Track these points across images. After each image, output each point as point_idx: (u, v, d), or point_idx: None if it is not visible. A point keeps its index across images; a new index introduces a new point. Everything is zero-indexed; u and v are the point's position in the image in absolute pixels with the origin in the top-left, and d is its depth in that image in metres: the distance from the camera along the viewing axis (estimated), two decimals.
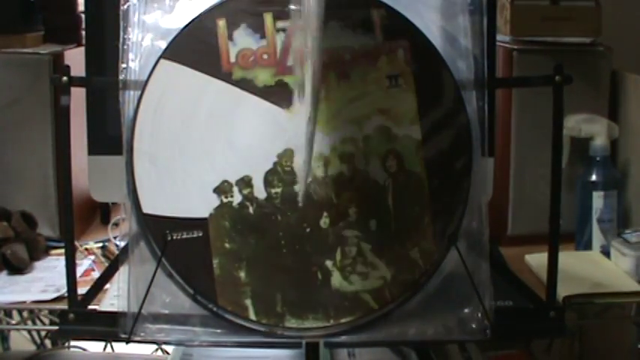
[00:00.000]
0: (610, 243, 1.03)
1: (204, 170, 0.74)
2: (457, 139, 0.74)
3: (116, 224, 1.16)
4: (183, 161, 0.74)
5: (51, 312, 0.99)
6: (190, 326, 0.75)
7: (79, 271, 1.00)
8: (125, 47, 0.74)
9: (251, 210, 0.74)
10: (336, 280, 0.74)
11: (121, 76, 0.74)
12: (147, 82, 0.73)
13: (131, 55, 0.74)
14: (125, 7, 0.74)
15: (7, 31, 1.11)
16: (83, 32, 1.14)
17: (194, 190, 0.74)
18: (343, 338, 0.75)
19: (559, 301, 0.88)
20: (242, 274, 0.74)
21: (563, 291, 0.89)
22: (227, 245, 0.74)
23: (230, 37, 0.73)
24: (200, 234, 0.74)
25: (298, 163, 0.73)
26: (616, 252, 1.01)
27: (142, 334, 0.74)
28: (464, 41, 0.75)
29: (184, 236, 0.74)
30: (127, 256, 0.75)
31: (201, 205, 0.74)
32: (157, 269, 0.74)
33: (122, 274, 0.75)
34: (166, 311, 0.75)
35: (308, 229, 0.74)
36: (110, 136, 0.97)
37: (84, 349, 1.25)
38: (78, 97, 0.86)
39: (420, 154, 0.74)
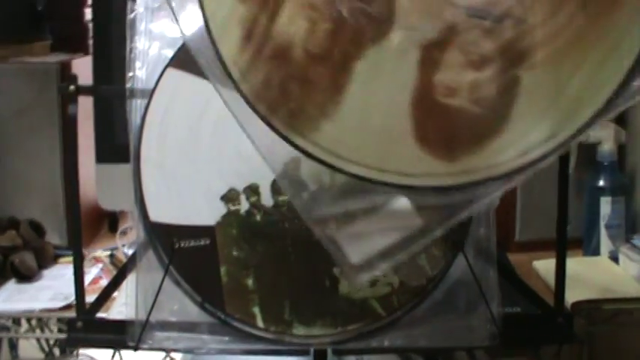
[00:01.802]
0: (618, 249, 1.03)
1: (211, 178, 0.74)
2: None
3: (124, 232, 1.16)
4: (191, 169, 0.74)
5: (59, 320, 1.00)
6: (198, 334, 0.75)
7: (87, 279, 1.00)
8: (132, 56, 0.75)
9: (258, 218, 0.74)
10: (344, 287, 0.74)
11: (128, 85, 0.74)
12: (154, 90, 0.74)
13: (138, 64, 0.75)
14: (132, 15, 0.75)
15: (16, 41, 1.12)
16: (90, 41, 1.14)
17: (201, 198, 0.74)
18: (351, 345, 0.75)
19: (567, 307, 0.87)
20: (250, 282, 0.74)
21: (571, 297, 0.89)
22: (234, 253, 0.74)
23: None
24: (207, 242, 0.74)
25: (305, 170, 0.73)
26: (624, 257, 1.00)
27: (150, 341, 0.74)
28: None
29: (192, 244, 0.74)
30: (135, 264, 0.75)
31: (208, 212, 0.74)
32: (164, 277, 0.74)
33: (130, 282, 0.75)
34: (174, 319, 0.75)
35: (315, 237, 0.74)
36: (117, 144, 0.97)
37: (92, 357, 1.25)
38: (85, 106, 0.86)
39: None
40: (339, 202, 0.65)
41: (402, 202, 0.64)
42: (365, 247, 0.64)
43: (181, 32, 0.63)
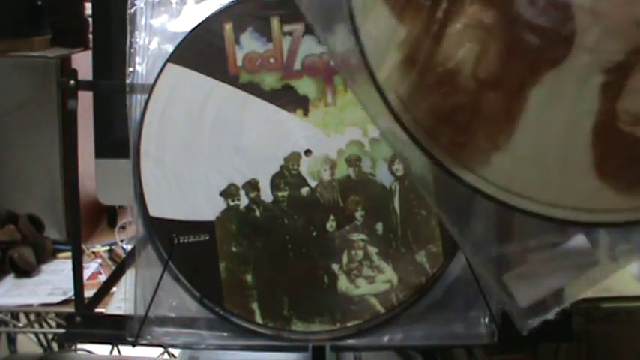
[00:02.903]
0: None
1: (210, 173, 0.74)
2: None
3: (123, 227, 1.16)
4: (190, 164, 0.74)
5: (58, 315, 1.00)
6: (197, 329, 0.75)
7: (86, 274, 1.00)
8: (132, 51, 0.74)
9: (257, 213, 0.74)
10: (343, 283, 0.74)
11: (128, 80, 0.74)
12: (154, 85, 0.74)
13: (138, 59, 0.75)
14: (132, 10, 0.75)
15: (15, 35, 1.12)
16: (90, 36, 1.14)
17: (201, 194, 0.74)
18: (350, 342, 0.75)
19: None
20: (248, 278, 0.74)
21: None
22: (233, 248, 0.74)
23: (237, 41, 0.73)
24: (207, 237, 0.74)
25: (305, 166, 0.74)
26: None
27: (149, 337, 0.74)
28: None
29: (191, 239, 0.74)
30: (134, 260, 0.75)
31: (207, 208, 0.74)
32: (163, 272, 0.74)
33: (129, 277, 0.75)
34: (173, 314, 0.75)
35: (314, 233, 0.74)
36: (117, 139, 0.97)
37: (91, 352, 1.25)
38: (85, 101, 0.86)
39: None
40: (508, 241, 0.60)
41: (578, 239, 0.59)
42: (535, 289, 0.60)
43: None
